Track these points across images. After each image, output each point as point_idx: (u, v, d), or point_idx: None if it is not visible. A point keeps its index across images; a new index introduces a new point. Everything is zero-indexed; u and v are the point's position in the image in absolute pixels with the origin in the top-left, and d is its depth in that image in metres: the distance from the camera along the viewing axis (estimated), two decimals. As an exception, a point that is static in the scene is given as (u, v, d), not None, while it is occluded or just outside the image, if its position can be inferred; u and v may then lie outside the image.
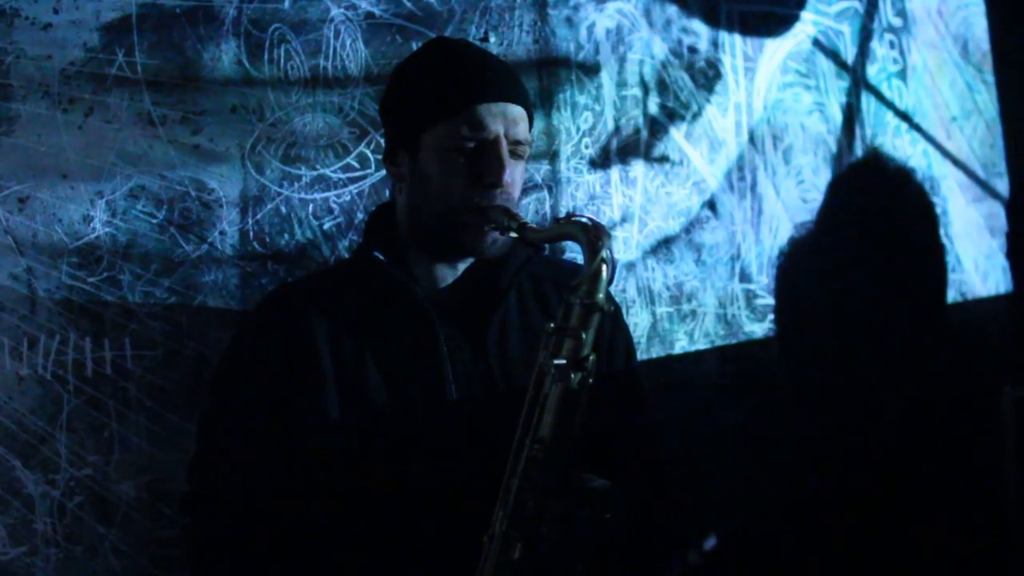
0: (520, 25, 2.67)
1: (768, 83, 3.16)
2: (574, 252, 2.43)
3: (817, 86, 3.28)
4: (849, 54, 3.38)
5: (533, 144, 2.02)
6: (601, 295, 1.65)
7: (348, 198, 2.40)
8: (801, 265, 3.20)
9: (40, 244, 2.08)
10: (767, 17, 3.17)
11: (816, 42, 3.28)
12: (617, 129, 2.84)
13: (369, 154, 2.42)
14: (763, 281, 3.11)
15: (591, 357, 1.65)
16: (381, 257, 1.83)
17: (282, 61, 2.33)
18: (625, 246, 2.84)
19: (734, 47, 3.09)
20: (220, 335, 2.20)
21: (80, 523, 2.11)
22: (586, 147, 2.78)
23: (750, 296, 3.08)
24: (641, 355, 2.80)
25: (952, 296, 3.62)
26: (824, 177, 3.29)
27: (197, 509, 1.83)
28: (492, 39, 2.62)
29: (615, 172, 2.83)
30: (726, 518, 2.73)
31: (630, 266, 2.84)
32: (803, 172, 3.23)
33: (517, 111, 1.79)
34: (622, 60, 2.85)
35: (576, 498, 1.64)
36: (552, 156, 2.71)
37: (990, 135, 3.79)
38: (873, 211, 3.40)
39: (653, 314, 2.88)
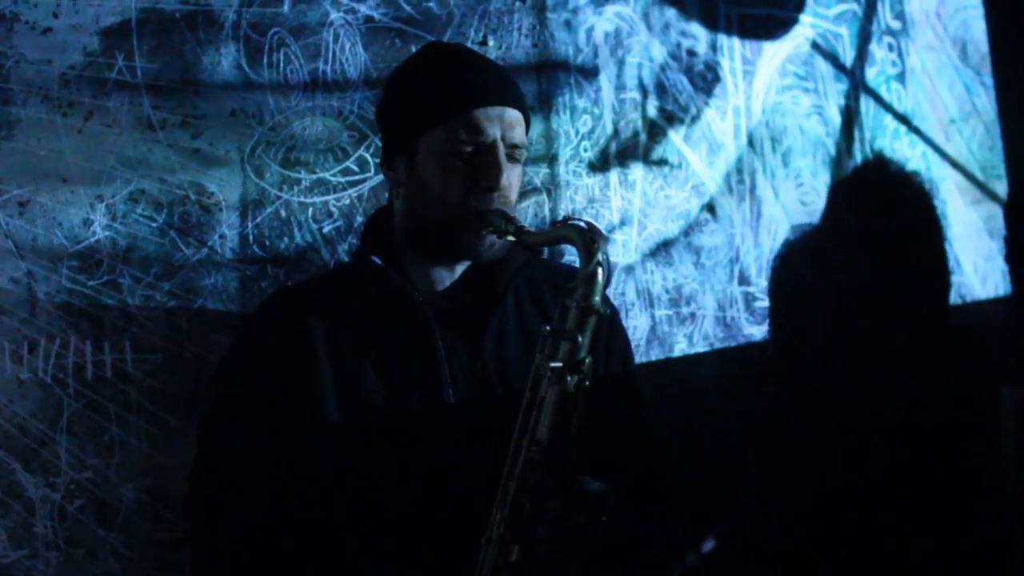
0: (519, 29, 2.68)
1: (767, 86, 3.17)
2: (573, 255, 2.44)
3: (816, 89, 3.28)
4: (848, 57, 3.38)
5: (531, 147, 2.03)
6: (597, 298, 1.66)
7: (347, 202, 2.41)
8: (800, 267, 3.20)
9: (40, 248, 2.09)
10: (766, 20, 3.17)
11: (815, 45, 3.29)
12: (616, 132, 2.84)
13: (368, 158, 2.42)
14: (762, 284, 3.12)
15: (587, 360, 1.66)
16: (379, 261, 1.83)
17: (281, 65, 2.34)
18: (624, 249, 2.84)
19: (733, 50, 3.10)
20: (220, 338, 2.21)
21: (80, 526, 2.11)
22: (585, 150, 2.78)
23: (749, 299, 3.08)
24: (640, 358, 2.80)
25: (951, 298, 3.62)
26: (823, 180, 3.29)
27: (198, 512, 1.84)
28: (491, 43, 2.62)
29: (614, 175, 2.84)
30: (725, 520, 2.73)
31: (629, 269, 2.85)
32: (802, 175, 3.23)
33: (514, 115, 1.80)
34: (621, 63, 2.86)
35: (573, 500, 1.65)
36: (551, 159, 2.72)
37: (989, 137, 3.79)
38: (872, 214, 3.40)
39: (652, 317, 2.89)
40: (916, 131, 3.55)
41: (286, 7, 2.34)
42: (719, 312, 3.02)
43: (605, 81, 2.83)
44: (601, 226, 1.82)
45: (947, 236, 3.61)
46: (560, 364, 1.64)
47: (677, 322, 2.94)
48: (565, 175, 2.74)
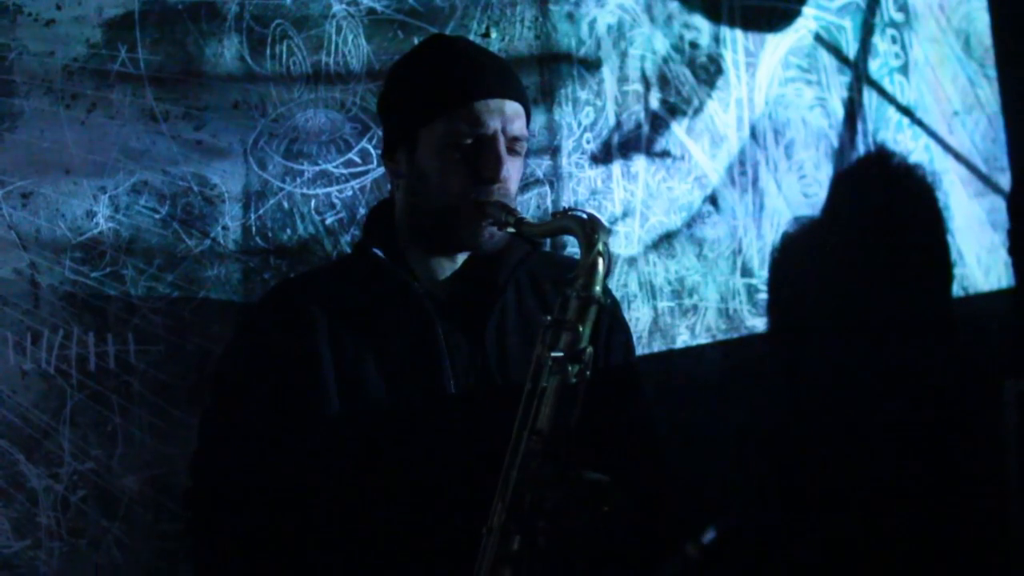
0: (521, 21, 2.68)
1: (770, 78, 3.16)
2: (575, 247, 2.44)
3: (819, 81, 3.28)
4: (851, 49, 3.38)
5: (534, 139, 2.03)
6: (598, 288, 1.66)
7: (350, 193, 2.41)
8: (802, 260, 3.20)
9: (43, 239, 2.09)
10: (768, 12, 3.17)
11: (818, 37, 3.28)
12: (618, 124, 2.84)
13: (371, 149, 2.43)
14: (764, 276, 3.12)
15: (588, 350, 1.67)
16: (380, 254, 1.84)
17: (284, 57, 2.34)
18: (626, 241, 2.84)
19: (735, 42, 3.09)
20: (223, 330, 2.21)
21: (83, 517, 2.12)
22: (587, 142, 2.78)
23: (752, 291, 3.08)
24: (642, 350, 2.81)
25: (954, 291, 3.62)
26: (826, 172, 3.28)
27: (200, 504, 1.84)
28: (493, 35, 2.62)
29: (616, 167, 2.84)
30: (726, 513, 2.73)
31: (631, 261, 2.85)
32: (805, 167, 3.23)
33: (515, 107, 1.80)
34: (623, 55, 2.86)
35: (574, 490, 1.65)
36: (553, 151, 2.72)
37: (992, 130, 3.79)
38: (875, 206, 3.40)
39: (654, 309, 2.89)
40: (919, 123, 3.55)
41: (288, -1, 2.35)
42: (721, 304, 3.02)
43: (608, 73, 2.83)
44: (603, 218, 1.82)
45: (950, 228, 3.60)
46: (561, 354, 1.65)
47: (679, 314, 2.94)
48: (568, 167, 2.74)
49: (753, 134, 3.11)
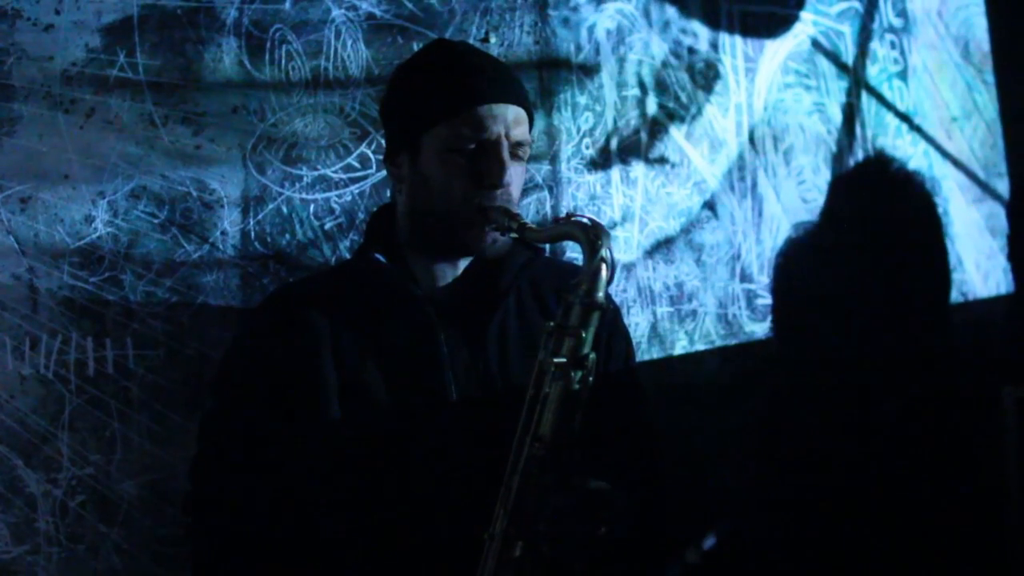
0: (521, 26, 2.68)
1: (768, 83, 3.17)
2: (575, 253, 2.44)
3: (817, 87, 3.28)
4: (849, 55, 3.38)
5: (533, 145, 2.03)
6: (601, 294, 1.66)
7: (349, 198, 2.41)
8: (801, 265, 3.20)
9: (42, 244, 2.09)
10: (767, 17, 3.17)
11: (816, 43, 3.29)
12: (617, 129, 2.84)
13: (370, 154, 2.42)
14: (763, 281, 3.12)
15: (591, 355, 1.66)
16: (381, 258, 1.83)
17: (283, 62, 2.34)
18: (625, 246, 2.84)
19: (734, 47, 3.10)
20: (221, 335, 2.21)
21: (82, 522, 2.11)
22: (586, 147, 2.78)
23: (750, 296, 3.08)
24: (641, 356, 2.80)
25: (953, 296, 3.62)
26: (824, 177, 3.29)
27: (199, 509, 1.83)
28: (493, 40, 2.62)
29: (615, 172, 2.84)
30: (726, 518, 2.73)
31: (630, 266, 2.85)
32: (803, 172, 3.23)
33: (518, 112, 1.80)
34: (622, 60, 2.86)
35: (576, 497, 1.65)
36: (553, 157, 2.72)
37: (990, 136, 3.79)
38: (874, 212, 3.40)
39: (653, 314, 2.89)
40: (917, 129, 3.56)
41: (288, 4, 2.34)
42: (720, 309, 3.02)
43: (606, 78, 2.83)
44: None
45: (948, 234, 3.61)
46: (564, 360, 1.64)
47: (678, 320, 2.94)
48: (566, 172, 2.74)
49: (752, 140, 3.12)
